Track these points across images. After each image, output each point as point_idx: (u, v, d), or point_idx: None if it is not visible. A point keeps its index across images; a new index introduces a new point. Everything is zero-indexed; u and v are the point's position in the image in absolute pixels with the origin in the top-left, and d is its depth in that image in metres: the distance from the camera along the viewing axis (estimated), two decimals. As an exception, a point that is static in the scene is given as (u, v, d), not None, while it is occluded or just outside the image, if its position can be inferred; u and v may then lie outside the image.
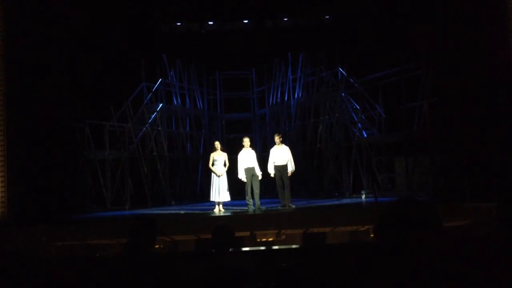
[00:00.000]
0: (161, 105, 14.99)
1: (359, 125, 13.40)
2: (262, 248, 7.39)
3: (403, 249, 1.63)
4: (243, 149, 10.48)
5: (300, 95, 15.83)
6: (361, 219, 9.04)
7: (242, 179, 10.37)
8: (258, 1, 13.91)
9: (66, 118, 11.36)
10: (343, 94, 14.11)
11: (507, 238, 2.73)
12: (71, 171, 11.48)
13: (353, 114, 13.86)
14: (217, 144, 10.60)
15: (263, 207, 10.43)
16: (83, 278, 4.08)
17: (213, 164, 10.37)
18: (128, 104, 13.79)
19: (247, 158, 10.38)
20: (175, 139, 15.83)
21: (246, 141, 10.55)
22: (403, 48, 12.12)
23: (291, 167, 10.48)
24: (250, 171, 10.32)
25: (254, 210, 10.15)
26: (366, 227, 9.02)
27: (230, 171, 10.56)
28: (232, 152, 11.69)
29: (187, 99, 16.62)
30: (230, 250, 3.79)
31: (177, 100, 16.01)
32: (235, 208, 10.89)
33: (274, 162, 10.46)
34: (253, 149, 10.73)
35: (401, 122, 12.18)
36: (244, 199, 10.52)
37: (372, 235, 8.80)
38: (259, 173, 10.35)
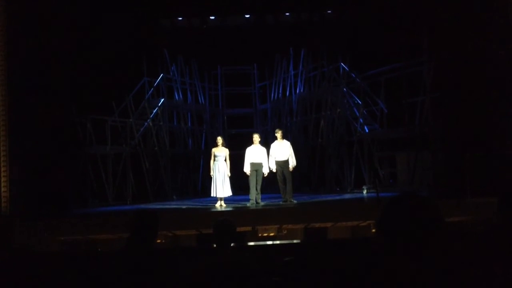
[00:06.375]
0: (162, 100, 14.99)
1: (361, 120, 13.39)
2: (264, 243, 7.40)
3: (405, 245, 1.63)
4: (252, 145, 10.49)
5: (301, 90, 15.81)
6: (362, 215, 9.04)
7: (246, 172, 10.40)
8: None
9: (67, 113, 11.36)
10: (344, 89, 14.09)
11: (508, 233, 2.73)
12: (73, 166, 11.49)
13: (354, 109, 13.84)
14: (219, 139, 10.59)
15: (262, 203, 10.44)
16: (84, 273, 4.09)
17: (214, 160, 10.38)
18: (129, 99, 13.80)
19: (254, 153, 10.39)
20: (177, 134, 15.85)
21: (256, 137, 10.58)
22: (405, 43, 12.09)
23: (292, 162, 10.47)
24: (254, 166, 10.33)
25: (254, 205, 10.15)
26: (368, 222, 9.03)
27: (233, 167, 10.56)
28: (234, 147, 11.69)
29: (189, 94, 16.61)
30: (231, 245, 3.80)
31: (178, 95, 16.01)
32: (236, 203, 10.90)
33: (275, 158, 10.46)
34: (262, 145, 10.72)
35: (403, 117, 12.17)
36: (246, 194, 10.53)
37: (373, 231, 8.81)
38: (265, 170, 10.36)
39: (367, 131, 13.34)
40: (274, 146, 10.57)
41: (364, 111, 13.61)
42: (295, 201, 10.47)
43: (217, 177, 10.28)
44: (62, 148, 10.54)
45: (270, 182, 12.33)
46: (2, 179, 8.98)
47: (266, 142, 12.05)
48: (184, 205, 11.96)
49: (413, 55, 12.03)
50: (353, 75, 13.97)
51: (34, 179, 9.43)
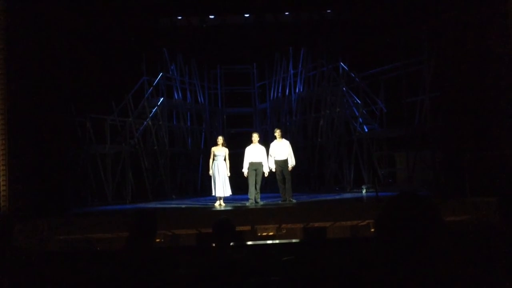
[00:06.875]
0: (162, 99, 14.99)
1: (360, 120, 13.39)
2: (263, 242, 7.40)
3: (404, 244, 1.63)
4: (251, 144, 10.49)
5: (301, 90, 15.82)
6: (361, 214, 9.04)
7: (244, 173, 10.40)
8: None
9: (67, 113, 11.35)
10: (344, 88, 14.10)
11: (508, 233, 2.73)
12: (72, 165, 11.49)
13: (354, 108, 13.85)
14: (220, 139, 10.60)
15: (262, 202, 10.44)
16: (84, 272, 4.09)
17: (213, 159, 10.39)
18: (129, 98, 13.79)
19: (253, 153, 10.38)
20: (176, 134, 15.85)
21: (255, 136, 10.58)
22: (405, 43, 12.09)
23: (291, 162, 10.48)
24: (254, 166, 10.33)
25: (253, 204, 10.15)
26: (367, 221, 9.03)
27: (232, 166, 10.56)
28: (233, 146, 11.67)
29: (188, 94, 16.61)
30: (230, 244, 3.80)
31: (178, 95, 16.01)
32: (236, 202, 10.90)
33: (274, 157, 10.46)
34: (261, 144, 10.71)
35: (402, 117, 12.17)
36: (246, 193, 10.54)
37: (372, 230, 8.81)
38: (265, 169, 10.36)
39: (366, 130, 13.35)
40: (273, 145, 10.58)
41: (364, 111, 13.62)
42: (294, 201, 10.47)
43: (217, 177, 10.28)
44: (61, 147, 10.53)
45: (270, 182, 12.33)
46: (2, 179, 8.96)
47: (266, 142, 12.04)
48: (184, 204, 11.96)
49: (412, 54, 12.03)
50: (353, 74, 13.97)
51: (34, 179, 9.41)
